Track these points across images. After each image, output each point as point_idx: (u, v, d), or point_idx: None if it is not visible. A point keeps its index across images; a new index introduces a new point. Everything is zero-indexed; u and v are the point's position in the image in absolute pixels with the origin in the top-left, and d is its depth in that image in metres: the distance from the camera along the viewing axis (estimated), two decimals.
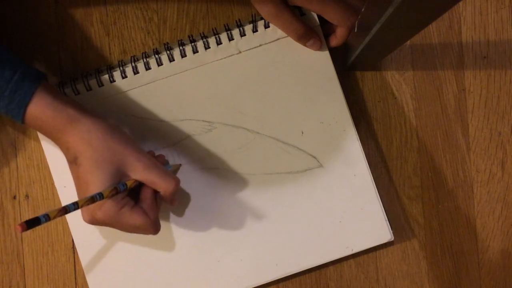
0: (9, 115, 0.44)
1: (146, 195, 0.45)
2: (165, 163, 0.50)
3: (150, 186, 0.45)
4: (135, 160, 0.44)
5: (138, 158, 0.44)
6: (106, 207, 0.43)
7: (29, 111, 0.43)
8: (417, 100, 0.54)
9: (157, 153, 0.50)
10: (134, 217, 0.44)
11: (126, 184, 0.43)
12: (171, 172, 0.47)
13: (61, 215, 0.40)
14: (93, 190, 0.42)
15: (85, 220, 0.45)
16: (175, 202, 0.47)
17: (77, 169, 0.44)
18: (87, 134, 0.43)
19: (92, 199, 0.41)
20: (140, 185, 0.45)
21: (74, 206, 0.41)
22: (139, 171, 0.44)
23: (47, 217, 0.39)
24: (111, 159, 0.43)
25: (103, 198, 0.42)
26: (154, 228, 0.45)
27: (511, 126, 0.54)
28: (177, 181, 0.45)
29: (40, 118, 0.43)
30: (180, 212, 0.51)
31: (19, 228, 0.36)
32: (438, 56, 0.54)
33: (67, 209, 0.40)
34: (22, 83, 0.42)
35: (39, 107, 0.43)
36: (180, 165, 0.51)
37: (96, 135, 0.43)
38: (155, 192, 0.46)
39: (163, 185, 0.44)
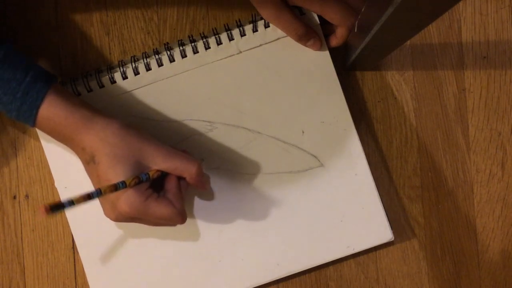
0: (21, 118, 0.43)
1: (170, 184, 0.45)
2: None
3: (173, 173, 0.45)
4: (154, 150, 0.44)
5: (157, 149, 0.44)
6: (130, 200, 0.42)
7: (41, 113, 0.43)
8: (417, 100, 0.54)
9: None
10: (161, 208, 0.43)
11: (148, 174, 0.43)
12: None
13: (84, 202, 0.40)
14: None
15: (110, 218, 0.44)
16: (206, 185, 0.47)
17: (95, 167, 0.43)
18: (102, 132, 0.43)
19: (115, 187, 0.41)
20: (162, 178, 0.45)
21: (98, 192, 0.40)
22: (160, 161, 0.44)
23: (71, 203, 0.38)
24: (130, 153, 0.43)
25: (126, 186, 0.42)
26: (181, 217, 0.45)
27: (511, 126, 0.54)
28: (199, 163, 0.45)
29: (53, 119, 0.43)
30: None
31: (42, 210, 0.36)
32: (438, 56, 0.54)
33: (90, 196, 0.40)
34: (34, 84, 0.42)
35: (52, 108, 0.43)
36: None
37: (112, 131, 0.43)
38: (179, 181, 0.46)
39: (186, 169, 0.44)
